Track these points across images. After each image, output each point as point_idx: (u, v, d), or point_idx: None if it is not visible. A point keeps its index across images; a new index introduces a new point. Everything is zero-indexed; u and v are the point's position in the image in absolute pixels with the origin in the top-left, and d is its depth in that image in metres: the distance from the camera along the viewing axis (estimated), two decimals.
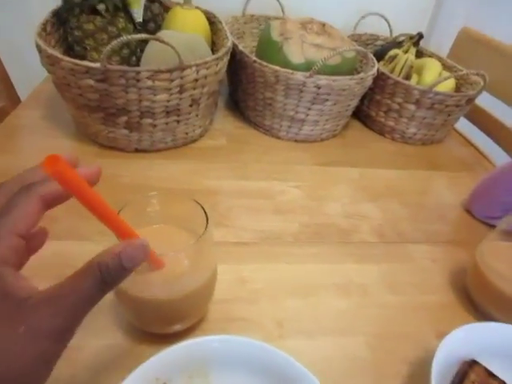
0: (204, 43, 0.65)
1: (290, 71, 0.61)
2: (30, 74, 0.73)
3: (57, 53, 0.52)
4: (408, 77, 0.72)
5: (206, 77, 0.58)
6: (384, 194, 0.61)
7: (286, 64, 0.63)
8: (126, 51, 0.65)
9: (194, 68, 0.55)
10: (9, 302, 0.21)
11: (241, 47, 0.67)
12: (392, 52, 0.74)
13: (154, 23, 0.73)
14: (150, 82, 0.53)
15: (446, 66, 0.78)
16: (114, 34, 0.63)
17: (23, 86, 0.76)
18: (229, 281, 0.43)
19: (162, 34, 0.62)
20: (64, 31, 0.66)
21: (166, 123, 0.59)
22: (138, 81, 0.52)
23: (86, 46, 0.63)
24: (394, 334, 0.41)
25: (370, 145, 0.74)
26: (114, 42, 0.49)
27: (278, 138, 0.71)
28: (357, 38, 0.86)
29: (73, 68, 0.51)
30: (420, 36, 0.74)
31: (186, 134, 0.63)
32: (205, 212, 0.34)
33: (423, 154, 0.74)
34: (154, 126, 0.59)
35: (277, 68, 0.62)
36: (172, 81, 0.54)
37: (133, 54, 0.66)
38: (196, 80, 0.56)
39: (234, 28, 0.82)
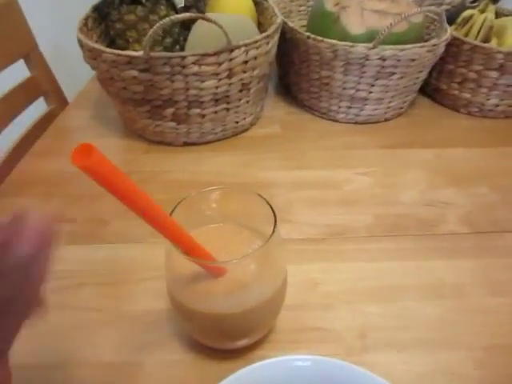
0: (251, 23, 0.59)
1: (350, 44, 0.54)
2: (76, 76, 0.72)
3: (98, 45, 0.49)
4: (487, 40, 0.62)
5: (256, 58, 0.52)
6: (468, 177, 0.53)
7: (345, 36, 0.56)
8: (168, 40, 0.61)
9: (242, 48, 0.50)
10: None
11: (291, 24, 0.61)
12: (466, 13, 0.64)
13: (196, 9, 0.68)
14: (196, 68, 0.48)
15: None
16: (156, 22, 0.59)
17: (70, 88, 0.75)
18: (297, 283, 0.38)
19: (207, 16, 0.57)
20: (105, 26, 0.63)
21: (215, 112, 0.55)
22: (183, 67, 0.48)
23: (128, 38, 0.60)
24: (507, 346, 0.33)
25: (442, 122, 0.65)
26: (156, 26, 0.46)
27: (336, 120, 0.64)
28: (419, 4, 0.77)
29: (115, 60, 0.48)
30: None
31: (237, 122, 0.58)
32: (271, 207, 0.28)
33: (508, 129, 0.63)
34: (203, 116, 0.54)
35: (334, 42, 0.55)
36: (220, 64, 0.49)
37: (176, 42, 0.62)
38: (246, 62, 0.51)
39: (280, 7, 0.76)
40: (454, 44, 0.61)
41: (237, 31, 0.53)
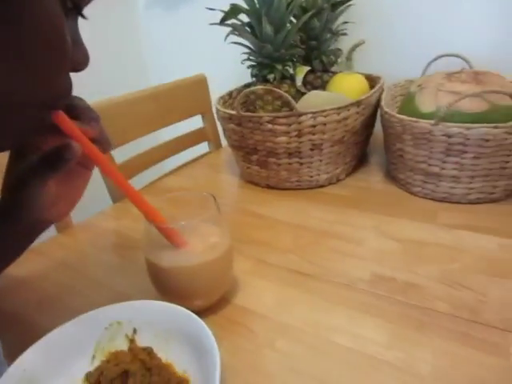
0: (344, 99, 0.70)
1: (414, 119, 0.57)
2: None
3: (218, 106, 0.71)
4: None
5: (325, 124, 0.63)
6: None
7: (415, 113, 0.60)
8: (285, 109, 0.78)
9: (309, 115, 0.61)
10: None
11: (383, 102, 0.67)
12: None
13: (322, 89, 0.84)
14: (270, 126, 0.63)
15: None
16: (277, 95, 0.78)
17: None
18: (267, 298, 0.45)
19: (309, 93, 0.72)
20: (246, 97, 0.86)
21: (289, 164, 0.67)
22: (261, 124, 0.64)
23: (256, 106, 0.80)
24: None
25: None
26: (244, 92, 0.64)
27: (413, 193, 0.64)
28: None
29: (223, 116, 0.69)
30: None
31: (311, 177, 0.68)
32: (213, 197, 0.41)
33: None
34: (278, 164, 0.68)
35: (402, 117, 0.59)
36: (289, 125, 0.63)
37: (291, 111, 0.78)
38: (313, 126, 0.63)
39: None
40: None
41: (329, 103, 0.64)
